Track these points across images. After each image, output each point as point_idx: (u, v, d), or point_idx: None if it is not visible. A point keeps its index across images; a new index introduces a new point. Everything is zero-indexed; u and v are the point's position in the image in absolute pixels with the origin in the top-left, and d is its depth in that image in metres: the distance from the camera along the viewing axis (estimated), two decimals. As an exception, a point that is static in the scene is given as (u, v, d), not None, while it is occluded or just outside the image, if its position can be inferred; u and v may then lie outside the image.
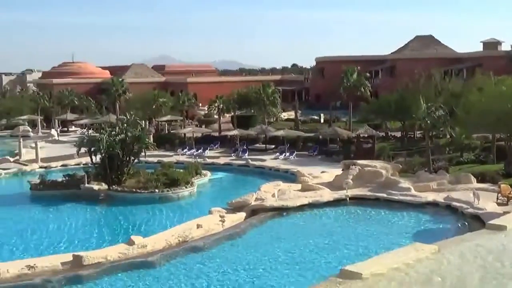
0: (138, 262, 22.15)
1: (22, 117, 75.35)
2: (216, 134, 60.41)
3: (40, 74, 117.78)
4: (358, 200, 31.65)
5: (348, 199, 31.46)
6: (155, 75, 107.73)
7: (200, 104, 79.72)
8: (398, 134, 54.39)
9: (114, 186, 35.93)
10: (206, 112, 74.24)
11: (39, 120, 73.92)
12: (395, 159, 40.83)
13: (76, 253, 22.16)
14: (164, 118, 66.07)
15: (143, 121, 41.71)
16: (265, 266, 22.06)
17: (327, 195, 31.97)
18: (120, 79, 79.64)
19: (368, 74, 68.30)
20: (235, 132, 54.65)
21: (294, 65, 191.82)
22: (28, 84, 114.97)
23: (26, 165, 46.50)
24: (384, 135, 53.74)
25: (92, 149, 37.45)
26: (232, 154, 49.52)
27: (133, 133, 37.72)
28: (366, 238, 25.46)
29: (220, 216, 27.55)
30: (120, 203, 34.13)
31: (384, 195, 31.55)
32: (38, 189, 36.79)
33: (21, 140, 52.35)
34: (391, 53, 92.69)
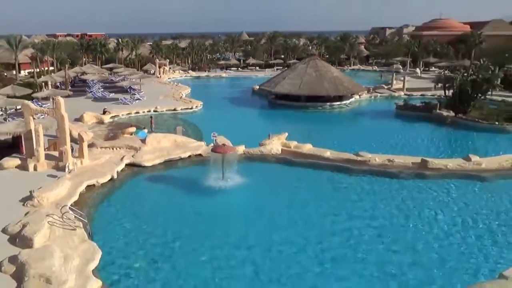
0: (472, 174, 23.30)
1: (396, 58, 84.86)
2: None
3: (413, 28, 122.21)
4: None
5: None
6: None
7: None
8: None
9: (460, 115, 37.93)
10: None
11: (408, 61, 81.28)
12: None
13: (424, 158, 24.44)
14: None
15: (495, 67, 41.43)
16: None
17: None
18: (478, 32, 79.50)
19: None
20: None
21: None
22: (403, 35, 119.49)
23: (395, 92, 53.41)
24: None
25: (447, 85, 39.89)
26: None
27: (484, 75, 38.54)
28: None
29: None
30: (463, 128, 35.93)
31: None
32: (401, 109, 42.30)
33: (394, 74, 60.71)
34: None
